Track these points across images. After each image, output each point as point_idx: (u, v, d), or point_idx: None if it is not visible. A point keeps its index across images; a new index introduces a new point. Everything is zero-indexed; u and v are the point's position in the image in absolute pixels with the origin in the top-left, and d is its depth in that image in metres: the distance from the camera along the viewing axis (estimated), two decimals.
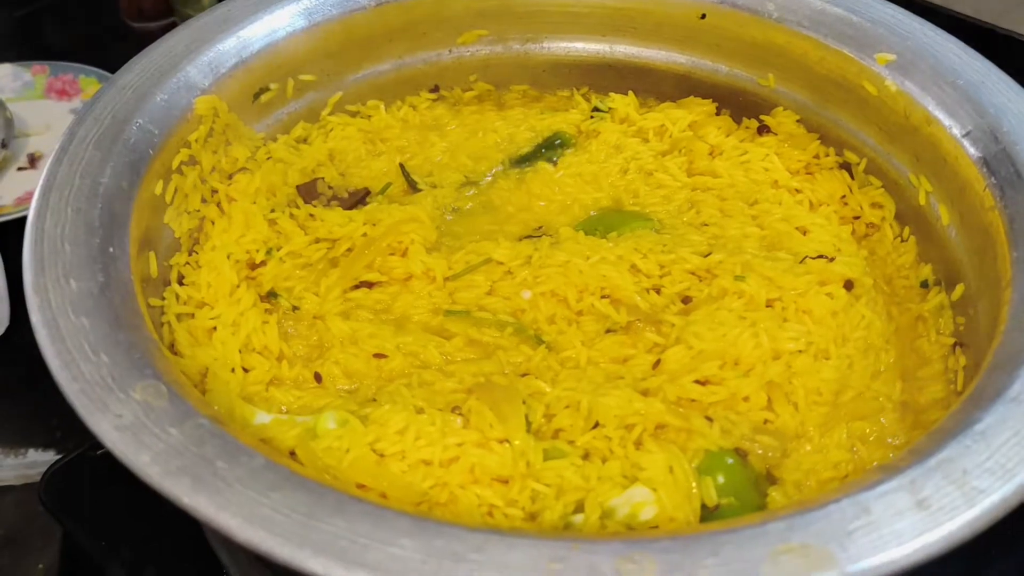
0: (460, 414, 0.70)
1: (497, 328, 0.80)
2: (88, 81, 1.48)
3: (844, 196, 0.94)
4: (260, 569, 0.77)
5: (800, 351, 0.75)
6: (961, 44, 0.87)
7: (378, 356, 0.78)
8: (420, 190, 0.96)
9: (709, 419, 0.71)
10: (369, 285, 0.85)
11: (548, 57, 1.07)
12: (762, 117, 1.00)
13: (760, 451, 0.71)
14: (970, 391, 0.62)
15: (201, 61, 0.87)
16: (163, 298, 0.78)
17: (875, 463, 0.70)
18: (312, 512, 0.51)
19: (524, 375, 0.76)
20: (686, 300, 0.81)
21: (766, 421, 0.73)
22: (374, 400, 0.74)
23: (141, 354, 0.61)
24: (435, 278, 0.84)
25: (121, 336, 0.62)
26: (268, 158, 0.93)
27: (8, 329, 1.10)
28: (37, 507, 0.92)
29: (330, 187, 0.93)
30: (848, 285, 0.81)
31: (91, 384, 0.57)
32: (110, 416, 0.56)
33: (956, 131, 0.82)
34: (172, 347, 0.76)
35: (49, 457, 1.02)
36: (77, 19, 1.68)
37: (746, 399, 0.73)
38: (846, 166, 0.95)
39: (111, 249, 0.69)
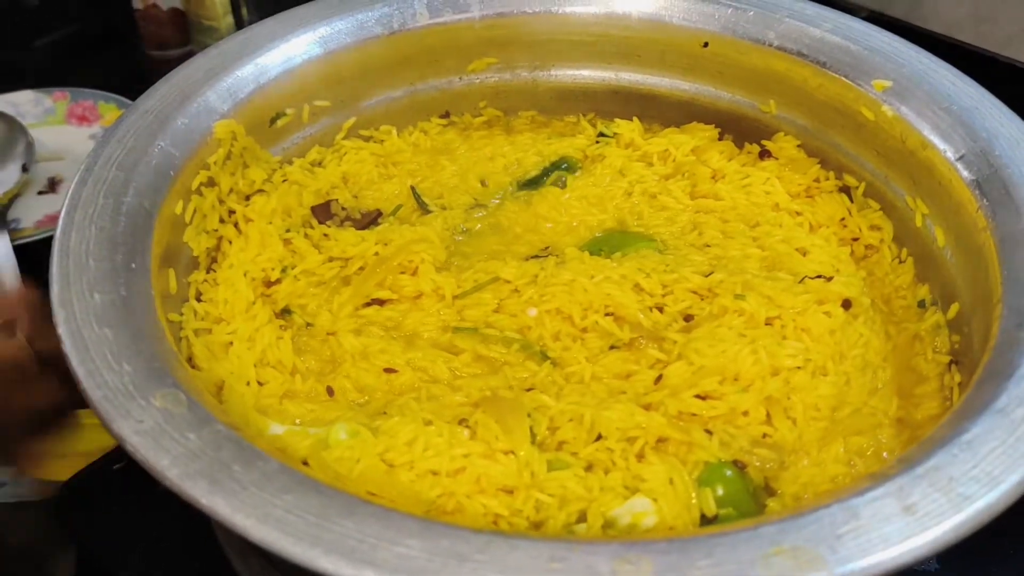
0: (467, 426, 0.72)
1: (504, 344, 0.82)
2: (107, 108, 1.51)
3: (843, 218, 0.96)
4: None
5: (798, 367, 0.77)
6: (955, 71, 0.90)
7: (388, 371, 0.81)
8: (431, 211, 0.98)
9: (709, 432, 0.73)
10: (380, 303, 0.87)
11: (555, 84, 1.10)
12: (763, 142, 1.02)
13: (758, 463, 0.72)
14: (960, 403, 0.64)
15: (220, 87, 0.90)
16: (182, 313, 0.81)
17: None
18: (323, 514, 0.54)
19: (529, 389, 0.78)
20: (688, 318, 0.83)
21: (765, 435, 0.75)
22: (384, 413, 0.76)
23: (161, 364, 0.63)
24: (444, 296, 0.86)
25: (142, 346, 0.64)
26: (284, 180, 0.96)
27: None
28: (53, 522, 0.94)
29: (343, 208, 0.96)
30: (846, 304, 0.82)
31: (114, 392, 0.60)
32: (132, 422, 0.58)
33: (950, 155, 0.84)
34: (190, 360, 0.78)
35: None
36: (98, 48, 1.72)
37: (745, 413, 0.75)
38: (845, 189, 0.97)
39: (133, 265, 0.72)
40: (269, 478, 0.55)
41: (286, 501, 0.54)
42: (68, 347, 0.63)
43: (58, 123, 1.51)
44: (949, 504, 0.54)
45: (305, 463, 0.70)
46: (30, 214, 1.33)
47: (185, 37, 1.64)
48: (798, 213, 0.96)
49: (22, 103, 1.51)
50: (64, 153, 1.45)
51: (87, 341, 0.63)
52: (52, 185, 1.40)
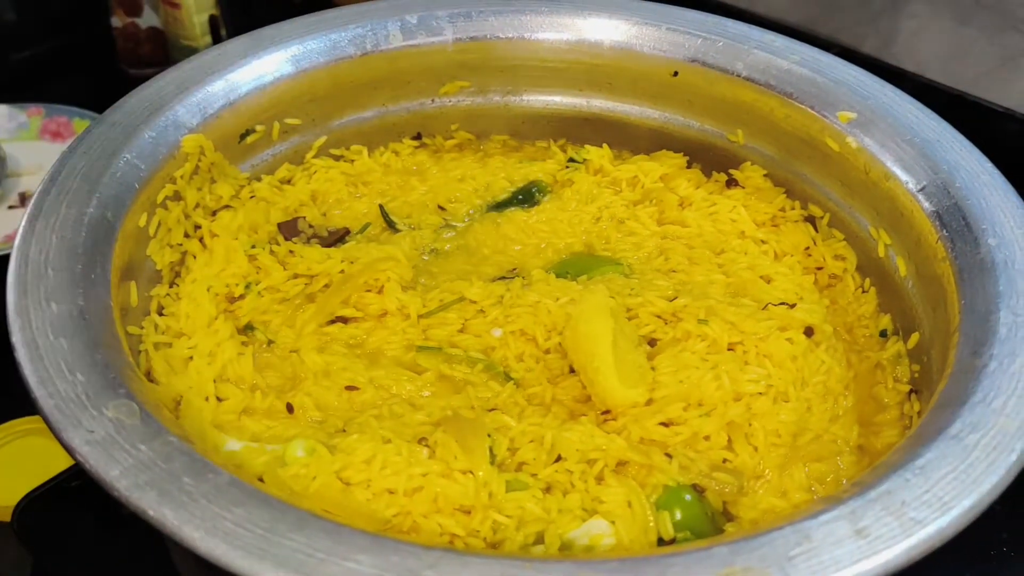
0: (427, 445, 0.71)
1: (468, 364, 0.82)
2: (82, 124, 1.51)
3: (808, 247, 0.97)
4: None
5: (760, 393, 0.77)
6: (918, 104, 0.91)
7: (350, 388, 0.80)
8: (399, 231, 0.98)
9: (669, 456, 0.73)
10: (344, 320, 0.87)
11: (527, 109, 1.11)
12: (731, 171, 1.03)
13: (717, 487, 0.72)
14: (915, 429, 0.65)
15: (190, 101, 0.90)
16: (142, 327, 0.80)
17: None
18: (273, 528, 0.53)
19: (492, 410, 0.78)
20: (652, 343, 0.83)
21: (725, 460, 0.75)
22: (344, 431, 0.76)
23: (116, 375, 0.63)
24: (409, 315, 0.86)
25: (98, 357, 0.64)
26: (252, 197, 0.96)
27: None
28: (10, 538, 0.92)
29: (311, 226, 0.96)
30: (808, 331, 0.83)
31: (66, 401, 0.59)
32: (82, 432, 0.57)
33: (912, 186, 0.86)
34: (148, 374, 0.77)
35: None
36: (75, 64, 1.72)
37: (707, 438, 0.75)
38: (810, 219, 0.98)
39: (92, 276, 0.71)
40: (220, 491, 0.55)
41: (236, 514, 0.53)
42: (21, 355, 0.62)
43: (31, 138, 1.50)
44: (900, 528, 0.55)
45: (260, 480, 0.69)
46: (1, 228, 1.32)
47: (163, 56, 1.64)
48: (763, 241, 0.97)
49: None
50: (37, 169, 1.44)
51: (41, 350, 0.62)
52: (23, 200, 1.39)
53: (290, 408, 0.79)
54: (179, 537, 0.52)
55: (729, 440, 0.76)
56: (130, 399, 0.60)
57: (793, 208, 0.99)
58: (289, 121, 1.00)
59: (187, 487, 0.54)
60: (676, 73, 1.03)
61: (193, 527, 0.53)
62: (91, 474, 0.55)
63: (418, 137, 1.10)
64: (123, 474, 0.55)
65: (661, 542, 0.68)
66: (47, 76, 1.70)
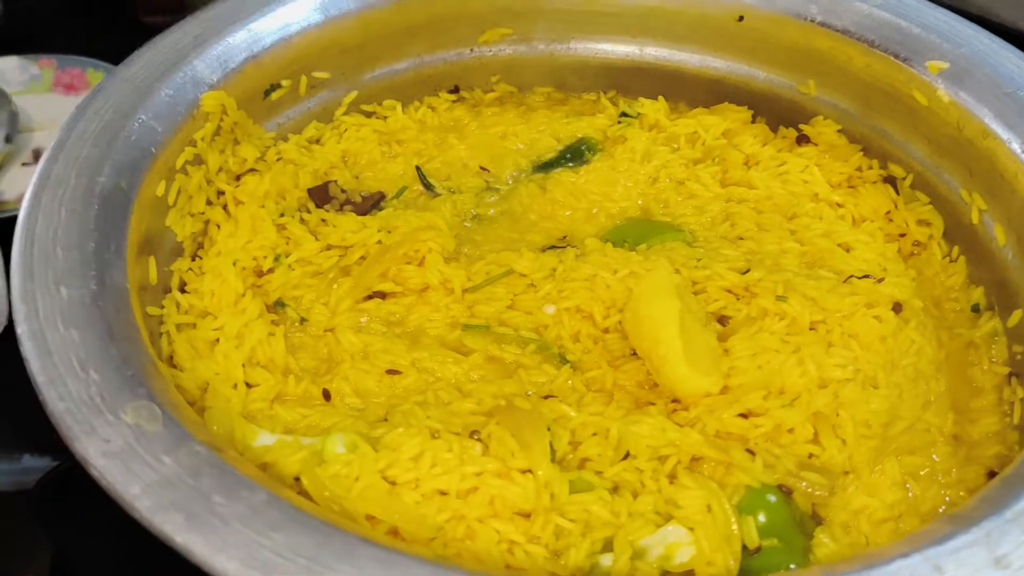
0: (479, 439, 0.65)
1: (518, 345, 0.75)
2: (96, 76, 1.43)
3: (889, 212, 0.89)
4: None
5: (848, 379, 0.70)
6: (1020, 53, 0.83)
7: (391, 372, 0.74)
8: (438, 194, 0.91)
9: (751, 452, 0.66)
10: (382, 296, 0.80)
11: (574, 58, 1.03)
12: (801, 126, 0.95)
13: (807, 488, 0.65)
14: None
15: (210, 55, 0.83)
16: (162, 307, 0.74)
17: (939, 507, 0.65)
18: (317, 556, 0.46)
19: (547, 397, 0.71)
20: (723, 320, 0.75)
21: (811, 455, 0.68)
22: (386, 420, 0.69)
23: (134, 371, 0.56)
24: (453, 290, 0.79)
25: (113, 350, 0.57)
26: (278, 159, 0.88)
27: (7, 327, 1.05)
28: (29, 515, 0.87)
29: (343, 191, 0.88)
30: (897, 308, 0.75)
31: (78, 404, 0.53)
32: (97, 441, 0.50)
33: (1016, 145, 0.78)
34: (171, 359, 0.71)
35: (44, 463, 0.97)
36: (87, 12, 1.63)
37: (791, 431, 0.68)
38: (891, 180, 0.91)
39: (106, 255, 0.64)
40: (256, 512, 0.48)
41: (275, 540, 0.47)
42: (28, 350, 0.55)
43: (44, 91, 1.43)
44: None
45: (297, 479, 0.63)
46: (14, 186, 1.25)
47: (181, 2, 1.55)
48: (839, 205, 0.89)
49: (6, 70, 1.43)
50: (50, 123, 1.37)
51: (50, 344, 0.56)
52: (36, 156, 1.32)
53: (327, 395, 0.73)
54: (211, 568, 0.45)
55: (815, 433, 0.68)
56: (151, 400, 0.53)
57: (871, 168, 0.91)
58: (317, 75, 0.92)
59: (218, 508, 0.47)
60: (741, 18, 0.94)
61: (227, 556, 0.46)
62: (108, 492, 0.48)
63: (455, 91, 1.02)
64: (145, 492, 0.48)
65: (745, 551, 0.61)
66: (56, 25, 1.62)
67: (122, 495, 0.48)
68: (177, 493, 0.48)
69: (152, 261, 0.73)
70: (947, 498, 0.68)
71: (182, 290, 0.76)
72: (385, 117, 0.97)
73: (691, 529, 0.61)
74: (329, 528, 0.48)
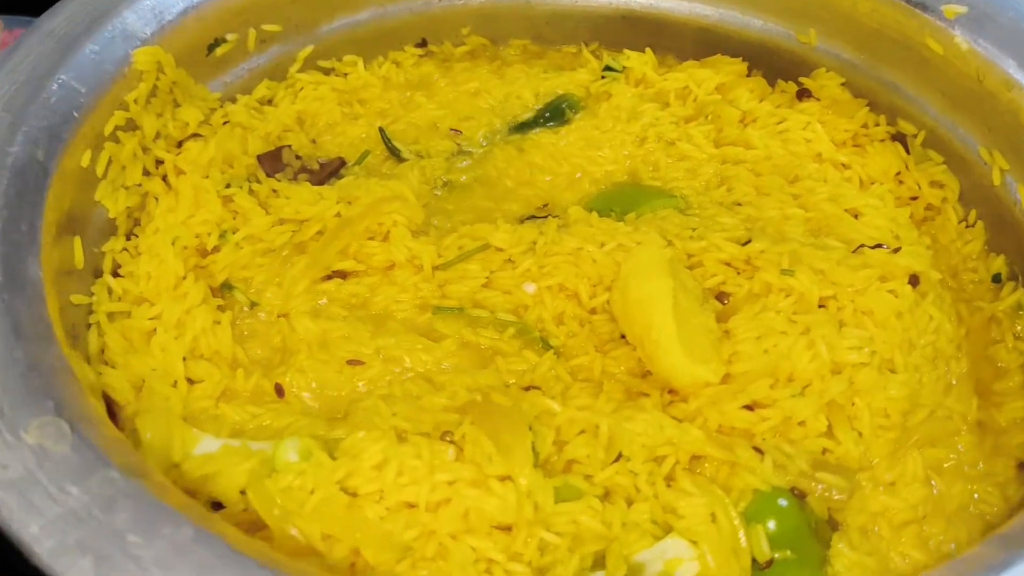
0: (452, 442, 0.59)
1: (496, 329, 0.70)
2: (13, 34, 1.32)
3: (899, 173, 0.83)
4: None
5: (863, 363, 0.64)
6: None
7: (352, 363, 0.68)
8: (404, 160, 0.84)
9: (758, 450, 0.59)
10: (343, 275, 0.74)
11: (552, 7, 0.96)
12: (801, 79, 0.89)
13: (823, 492, 0.58)
14: None
15: (142, 5, 0.76)
16: (91, 294, 0.68)
17: (967, 506, 0.60)
18: None
19: (529, 388, 0.65)
20: (722, 298, 0.69)
21: (825, 450, 0.62)
22: (346, 417, 0.63)
23: (42, 379, 0.48)
24: (422, 267, 0.73)
25: (19, 353, 0.50)
26: (225, 122, 0.82)
27: None
28: None
29: (298, 157, 0.82)
30: (914, 281, 0.69)
31: None
32: None
33: None
34: (101, 355, 0.64)
35: None
36: None
37: (802, 424, 0.62)
38: (900, 138, 0.85)
39: (15, 235, 0.57)
40: (180, 552, 0.41)
41: None
42: None
43: None
44: None
45: (243, 493, 0.56)
46: None
47: None
48: (845, 166, 0.83)
49: None
50: None
51: None
52: None
53: (280, 390, 0.67)
54: None
55: (829, 425, 0.62)
56: (58, 415, 0.45)
57: (878, 124, 0.86)
58: (267, 27, 0.86)
59: (134, 549, 0.40)
60: None
61: None
62: (2, 529, 0.40)
63: (423, 44, 0.95)
64: (46, 531, 0.40)
65: (755, 565, 0.55)
66: None
67: (18, 534, 0.40)
68: (85, 531, 0.41)
69: (77, 241, 0.67)
70: (975, 495, 0.64)
71: (115, 274, 0.70)
72: (345, 74, 0.91)
73: (693, 542, 0.56)
74: (268, 573, 0.40)
